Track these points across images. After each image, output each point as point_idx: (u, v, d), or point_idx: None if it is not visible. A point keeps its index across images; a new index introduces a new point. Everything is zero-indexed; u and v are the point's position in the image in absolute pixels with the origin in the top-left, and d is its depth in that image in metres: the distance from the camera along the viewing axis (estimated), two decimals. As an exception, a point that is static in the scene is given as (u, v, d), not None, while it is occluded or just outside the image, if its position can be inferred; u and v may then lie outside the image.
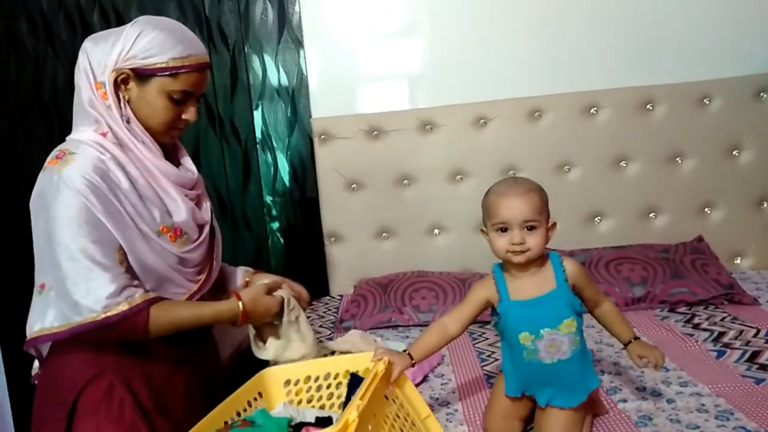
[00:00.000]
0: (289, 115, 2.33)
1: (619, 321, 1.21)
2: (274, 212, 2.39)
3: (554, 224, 1.15)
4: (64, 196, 1.02)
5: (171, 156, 1.19)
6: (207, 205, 1.24)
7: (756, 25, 2.11)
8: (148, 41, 1.07)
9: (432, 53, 2.22)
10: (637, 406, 1.28)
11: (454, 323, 1.16)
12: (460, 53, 2.20)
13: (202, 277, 1.20)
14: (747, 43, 2.12)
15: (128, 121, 1.10)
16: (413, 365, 1.11)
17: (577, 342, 1.12)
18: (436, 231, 2.29)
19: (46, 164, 1.07)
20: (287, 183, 2.37)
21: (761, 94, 2.12)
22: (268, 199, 2.38)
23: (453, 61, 2.21)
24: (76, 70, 1.12)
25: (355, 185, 2.27)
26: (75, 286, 1.01)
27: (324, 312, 2.14)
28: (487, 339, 1.77)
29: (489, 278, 1.17)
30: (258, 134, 2.34)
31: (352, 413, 0.83)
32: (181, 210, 1.14)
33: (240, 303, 1.17)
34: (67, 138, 1.13)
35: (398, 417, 1.01)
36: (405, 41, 2.23)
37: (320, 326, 2.01)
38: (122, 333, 1.05)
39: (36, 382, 1.17)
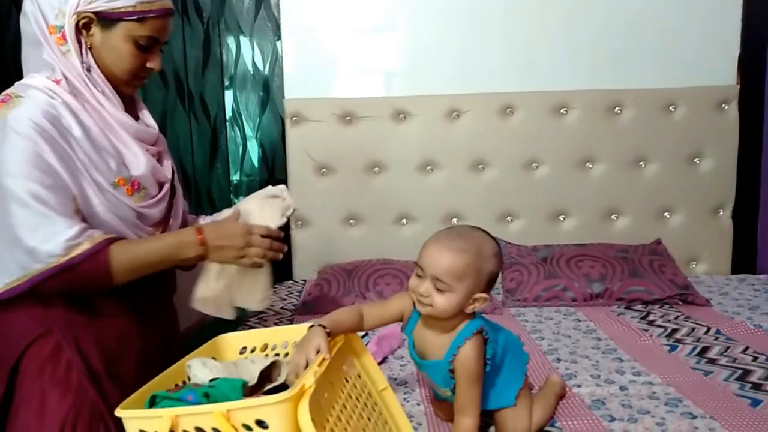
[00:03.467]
0: (261, 94, 2.29)
1: None
2: (240, 192, 2.35)
3: (481, 298, 1.03)
4: (11, 140, 0.96)
5: (129, 110, 1.14)
6: (168, 163, 1.20)
7: (722, 39, 2.19)
8: None
9: (409, 43, 2.23)
10: (590, 391, 1.30)
11: (368, 321, 1.09)
12: (437, 45, 2.21)
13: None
14: (712, 55, 2.20)
15: (89, 69, 1.05)
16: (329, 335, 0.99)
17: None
18: (404, 221, 2.29)
19: None
20: (256, 163, 2.34)
21: (723, 105, 2.20)
22: (235, 178, 2.34)
23: (429, 52, 2.22)
24: (21, 16, 1.06)
25: (324, 170, 2.25)
26: (31, 232, 0.95)
27: (286, 295, 2.11)
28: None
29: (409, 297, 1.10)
30: (228, 112, 2.30)
31: (309, 379, 0.81)
32: (140, 164, 1.09)
33: (196, 229, 1.10)
34: (15, 83, 1.07)
35: (355, 386, 0.99)
36: (383, 29, 2.23)
37: (281, 308, 1.98)
38: (86, 275, 0.98)
39: None
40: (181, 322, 1.32)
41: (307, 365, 0.89)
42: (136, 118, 1.16)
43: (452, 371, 1.05)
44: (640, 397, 1.27)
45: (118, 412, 0.79)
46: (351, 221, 2.29)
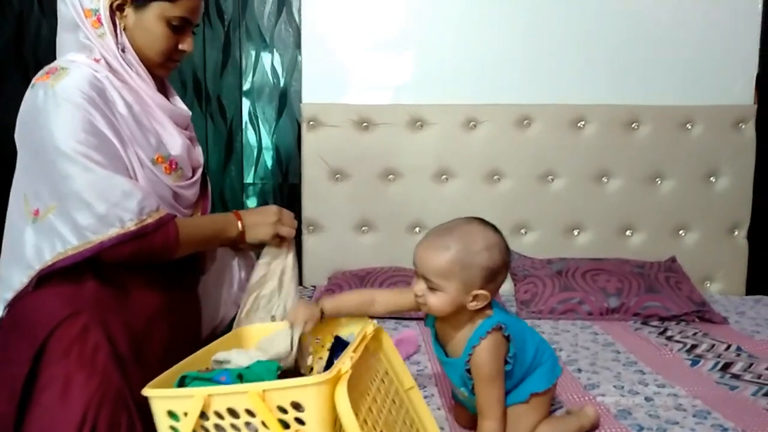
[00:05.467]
0: (279, 98, 2.29)
1: None
2: (253, 195, 2.33)
3: (481, 295, 0.99)
4: (63, 109, 0.95)
5: (161, 94, 1.14)
6: (199, 149, 1.20)
7: (740, 58, 2.20)
8: None
9: (428, 52, 2.23)
10: (615, 400, 1.27)
11: (381, 304, 1.09)
12: (455, 55, 2.22)
13: None
14: (730, 74, 2.21)
15: (123, 50, 1.05)
16: (321, 319, 1.04)
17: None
18: (417, 229, 2.26)
19: (33, 82, 1.01)
20: (270, 167, 2.32)
21: (740, 124, 2.20)
22: (248, 181, 2.32)
23: (448, 61, 2.22)
24: (59, 1, 1.08)
25: (339, 175, 2.23)
26: (99, 197, 0.94)
27: (296, 299, 2.07)
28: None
29: None
30: (245, 115, 2.30)
31: (346, 363, 0.78)
32: (176, 143, 1.10)
33: (234, 213, 1.18)
34: (55, 61, 1.07)
35: (383, 382, 0.96)
36: (403, 37, 2.23)
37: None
38: (155, 245, 0.99)
39: None
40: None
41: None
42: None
43: (469, 371, 1.02)
44: (666, 408, 1.23)
45: (146, 391, 0.75)
46: (363, 228, 2.27)
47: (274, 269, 1.20)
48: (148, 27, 1.05)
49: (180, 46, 1.09)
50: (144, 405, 0.98)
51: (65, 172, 0.94)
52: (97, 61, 1.04)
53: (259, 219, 1.16)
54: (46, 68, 1.03)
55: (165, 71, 1.13)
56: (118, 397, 0.99)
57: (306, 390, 0.73)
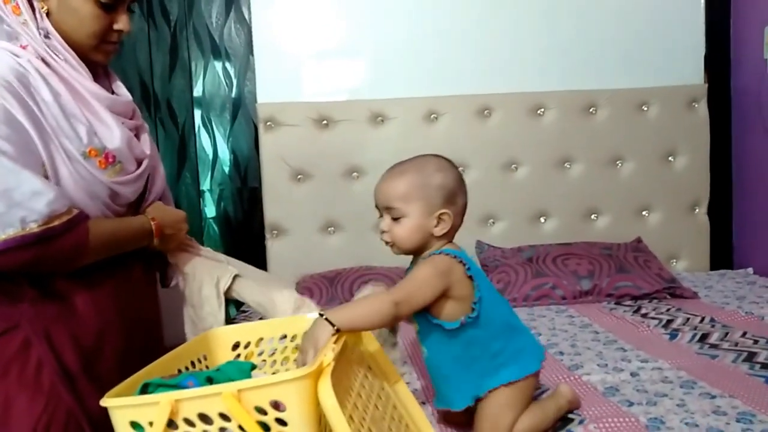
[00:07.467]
0: (233, 98, 2.20)
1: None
2: (210, 202, 2.23)
3: (446, 214, 0.98)
4: None
5: (101, 83, 1.03)
6: (146, 138, 1.09)
7: (687, 40, 2.25)
8: None
9: (385, 45, 2.19)
10: (601, 378, 1.25)
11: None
12: (414, 46, 2.19)
13: None
14: (680, 55, 2.25)
15: (47, 36, 0.94)
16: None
17: (424, 345, 1.03)
18: (384, 226, 2.21)
19: None
20: (227, 171, 2.23)
21: (693, 103, 2.25)
22: (205, 187, 2.22)
23: (405, 54, 2.19)
24: None
25: (301, 176, 2.16)
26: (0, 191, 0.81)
27: (264, 307, 1.98)
28: (440, 328, 1.70)
29: None
30: (197, 118, 2.20)
31: (328, 356, 0.72)
32: (114, 136, 0.98)
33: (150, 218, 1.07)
34: None
35: (367, 377, 0.90)
36: (358, 32, 2.19)
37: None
38: (63, 249, 0.87)
39: None
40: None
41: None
42: (111, 92, 1.05)
43: None
44: (653, 381, 1.22)
45: (105, 401, 0.67)
46: (330, 229, 2.20)
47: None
48: (75, 7, 0.94)
49: (115, 26, 0.98)
50: (100, 423, 0.88)
51: None
52: (24, 47, 0.93)
53: (174, 230, 1.10)
54: None
55: (102, 56, 1.01)
56: (69, 418, 0.89)
57: (286, 386, 0.66)
